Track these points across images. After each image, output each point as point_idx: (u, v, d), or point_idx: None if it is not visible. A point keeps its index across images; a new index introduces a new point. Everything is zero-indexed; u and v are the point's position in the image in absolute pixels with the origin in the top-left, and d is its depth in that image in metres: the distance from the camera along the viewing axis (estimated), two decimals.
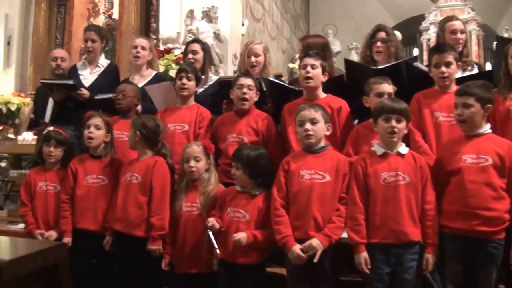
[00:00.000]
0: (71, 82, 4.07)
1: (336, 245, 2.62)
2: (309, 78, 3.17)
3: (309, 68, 3.18)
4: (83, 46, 8.56)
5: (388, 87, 2.99)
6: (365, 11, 12.93)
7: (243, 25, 7.63)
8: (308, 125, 2.76)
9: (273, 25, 10.20)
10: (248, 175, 2.85)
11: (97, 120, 3.39)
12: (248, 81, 3.32)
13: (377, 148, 2.69)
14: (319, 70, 3.19)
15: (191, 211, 3.01)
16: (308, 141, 2.77)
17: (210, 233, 2.78)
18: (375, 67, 3.37)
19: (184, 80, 3.52)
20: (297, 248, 2.60)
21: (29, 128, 5.17)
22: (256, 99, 3.37)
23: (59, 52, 4.69)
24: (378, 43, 3.66)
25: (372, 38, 3.71)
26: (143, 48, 4.17)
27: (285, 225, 2.67)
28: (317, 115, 2.77)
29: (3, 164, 7.00)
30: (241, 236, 2.73)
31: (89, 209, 3.27)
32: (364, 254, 2.56)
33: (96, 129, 3.37)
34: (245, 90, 3.30)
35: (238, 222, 2.81)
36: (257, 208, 2.81)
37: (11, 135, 7.69)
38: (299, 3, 13.00)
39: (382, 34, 3.68)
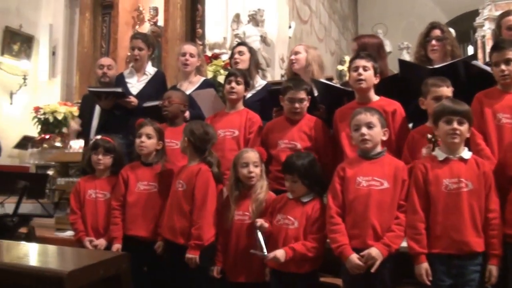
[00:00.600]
0: (119, 89, 4.18)
1: (395, 255, 2.58)
2: (361, 80, 3.13)
3: (361, 70, 3.14)
4: (129, 54, 8.83)
5: (447, 91, 2.92)
6: (415, 8, 12.70)
7: (290, 27, 7.64)
8: (364, 130, 2.74)
9: (321, 27, 10.16)
10: (307, 185, 2.86)
11: (148, 129, 3.46)
12: (299, 95, 3.30)
13: (438, 152, 2.64)
14: (371, 72, 3.15)
15: (243, 219, 3.03)
16: (364, 146, 2.75)
17: (259, 233, 2.80)
18: (431, 67, 3.29)
19: (233, 84, 3.57)
20: (355, 257, 2.57)
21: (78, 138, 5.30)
22: (308, 105, 3.36)
23: (105, 60, 4.83)
24: (433, 42, 3.58)
25: (426, 36, 3.63)
26: (192, 55, 4.23)
27: (342, 234, 2.64)
28: (374, 119, 2.75)
29: (50, 173, 7.26)
30: (278, 253, 2.73)
31: (140, 215, 3.34)
32: (425, 265, 2.51)
33: (147, 138, 3.44)
34: (297, 105, 3.30)
35: (287, 229, 2.82)
36: (306, 215, 2.81)
37: (58, 144, 7.97)
38: (346, 3, 12.91)
39: (437, 32, 3.60)
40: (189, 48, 4.29)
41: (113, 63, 4.90)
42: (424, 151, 2.81)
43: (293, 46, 7.58)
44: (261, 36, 6.73)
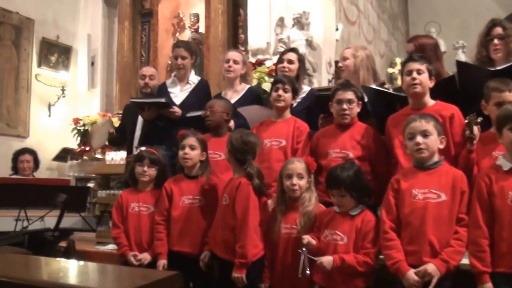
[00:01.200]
0: (163, 100, 4.27)
1: (455, 273, 2.54)
2: (415, 84, 3.09)
3: (414, 74, 3.10)
4: (169, 62, 8.90)
5: (510, 95, 2.85)
6: (470, 4, 12.42)
7: (337, 29, 7.62)
8: (419, 138, 2.71)
9: (369, 27, 10.09)
10: (355, 198, 2.86)
11: (191, 140, 3.51)
12: (347, 95, 3.30)
13: (503, 162, 2.59)
14: (425, 75, 3.11)
15: (290, 233, 3.04)
16: (420, 156, 2.72)
17: (304, 253, 2.79)
18: (492, 68, 3.22)
19: (280, 92, 3.59)
20: (412, 273, 2.55)
21: (110, 144, 5.39)
22: (358, 110, 3.36)
23: (148, 70, 4.95)
24: (495, 41, 3.50)
25: (487, 35, 3.56)
26: (235, 61, 4.30)
27: (397, 250, 2.62)
28: (429, 126, 2.72)
29: (91, 185, 7.44)
30: (325, 259, 2.72)
31: (185, 230, 3.38)
32: (489, 285, 2.47)
33: (191, 150, 3.49)
34: (345, 106, 3.29)
35: (336, 245, 2.81)
36: (355, 229, 2.80)
37: (98, 156, 8.16)
38: (396, 1, 12.76)
39: (499, 30, 3.53)
40: (233, 54, 4.37)
41: (155, 72, 5.03)
42: (467, 133, 2.74)
43: (340, 49, 7.58)
44: (307, 40, 6.72)
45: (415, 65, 3.12)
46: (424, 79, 3.10)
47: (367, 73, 3.94)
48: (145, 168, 3.61)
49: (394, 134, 3.13)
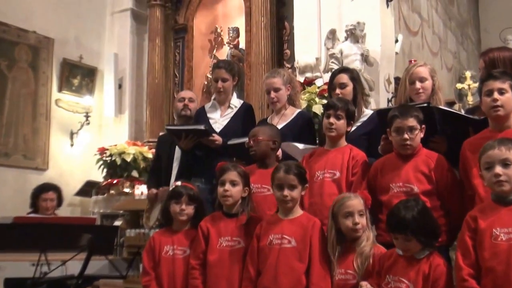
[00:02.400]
0: (202, 127, 4.35)
1: None
2: (497, 107, 3.04)
3: (496, 94, 3.05)
4: (206, 83, 9.01)
5: None
6: None
7: (396, 41, 7.61)
8: (498, 169, 2.68)
9: (434, 37, 10.03)
10: (422, 243, 2.84)
11: (232, 175, 3.54)
12: (408, 122, 3.27)
13: None
14: (509, 95, 3.06)
15: (346, 279, 3.05)
16: (500, 189, 2.69)
17: None
18: None
19: (332, 119, 3.59)
20: None
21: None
22: (422, 135, 3.33)
23: (186, 93, 5.14)
24: None
25: None
26: (277, 89, 4.30)
27: None
28: (510, 154, 2.69)
29: (118, 223, 7.53)
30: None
31: (224, 276, 3.38)
32: None
33: (232, 186, 3.52)
34: (406, 135, 3.27)
35: None
36: (422, 275, 2.78)
37: (127, 190, 8.27)
38: (465, 6, 12.66)
39: None
40: (271, 82, 4.34)
41: (194, 96, 5.15)
42: None
43: (401, 64, 7.56)
44: (362, 55, 6.73)
45: (496, 84, 3.08)
46: (507, 100, 3.05)
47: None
48: (183, 206, 3.65)
49: (471, 162, 3.07)
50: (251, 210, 3.53)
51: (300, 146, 3.94)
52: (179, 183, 3.84)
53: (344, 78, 4.17)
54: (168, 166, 4.83)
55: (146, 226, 5.54)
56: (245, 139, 3.91)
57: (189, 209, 3.66)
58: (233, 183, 3.52)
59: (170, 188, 3.92)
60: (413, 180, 3.25)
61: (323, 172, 3.54)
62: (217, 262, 3.42)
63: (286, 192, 3.27)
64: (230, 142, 4.20)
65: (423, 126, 3.31)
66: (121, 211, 7.77)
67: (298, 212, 3.33)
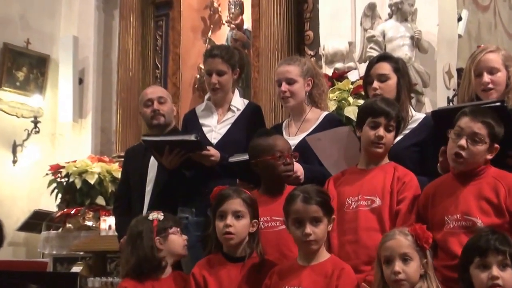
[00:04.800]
0: (192, 137, 4.27)
1: None
2: None
3: None
4: (198, 76, 8.96)
5: None
6: None
7: (459, 20, 7.55)
8: None
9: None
10: None
11: (236, 204, 3.52)
12: (475, 128, 3.24)
13: None
14: None
15: None
16: None
17: None
18: None
19: (382, 131, 3.55)
20: None
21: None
22: (490, 156, 3.31)
23: (153, 92, 4.98)
24: None
25: None
26: (291, 81, 4.27)
27: None
28: None
29: (77, 269, 7.48)
30: None
31: None
32: None
33: (236, 219, 3.50)
34: (463, 142, 3.23)
35: None
36: None
37: (89, 223, 8.22)
38: None
39: None
40: (285, 70, 4.31)
41: (165, 93, 5.09)
42: None
43: (466, 49, 7.42)
44: (412, 38, 6.69)
45: None
46: None
47: None
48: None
49: None
50: (261, 252, 3.52)
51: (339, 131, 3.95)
52: (155, 214, 3.77)
53: (384, 68, 4.12)
54: (140, 192, 4.82)
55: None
56: None
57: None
58: (238, 215, 3.49)
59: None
60: (475, 210, 3.23)
61: (357, 199, 3.52)
62: None
63: (309, 229, 3.22)
64: (231, 159, 4.18)
65: (496, 146, 3.28)
66: (81, 253, 7.73)
67: (324, 255, 3.29)
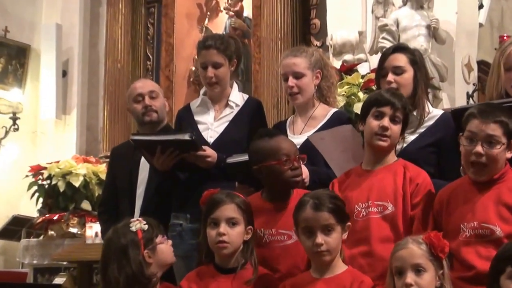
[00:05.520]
0: (186, 136, 4.28)
1: None
2: None
3: None
4: (193, 69, 9.02)
5: None
6: None
7: (481, 6, 7.55)
8: None
9: None
10: None
11: (229, 210, 3.52)
12: (488, 129, 3.23)
13: None
14: None
15: None
16: None
17: None
18: None
19: (387, 121, 3.55)
20: None
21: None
22: (510, 155, 3.33)
23: (143, 86, 4.97)
24: None
25: None
26: (298, 75, 4.28)
27: None
28: None
29: (60, 281, 7.47)
30: None
31: None
32: None
33: (230, 226, 3.50)
34: (479, 148, 3.22)
35: None
36: None
37: (74, 230, 8.21)
38: None
39: None
40: (292, 63, 4.31)
41: (156, 87, 5.12)
42: None
43: (488, 39, 7.36)
44: (429, 27, 6.69)
45: None
46: None
47: None
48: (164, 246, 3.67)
49: None
50: (256, 264, 3.51)
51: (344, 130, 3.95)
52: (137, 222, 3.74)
53: (400, 59, 4.14)
54: (130, 195, 4.82)
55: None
56: None
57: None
58: (233, 222, 3.50)
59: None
60: (494, 217, 3.23)
61: (367, 206, 3.52)
62: None
63: (320, 238, 3.21)
64: (229, 160, 4.17)
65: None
66: (64, 263, 7.72)
67: (340, 267, 3.29)
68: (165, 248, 3.62)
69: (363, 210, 3.49)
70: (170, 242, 3.69)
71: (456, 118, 3.66)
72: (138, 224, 3.62)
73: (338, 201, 3.31)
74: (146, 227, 3.61)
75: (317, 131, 4.17)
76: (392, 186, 3.50)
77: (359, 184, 3.59)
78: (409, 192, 3.47)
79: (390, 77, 4.08)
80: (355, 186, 3.59)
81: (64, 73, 9.83)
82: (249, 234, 3.52)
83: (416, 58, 4.19)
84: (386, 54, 4.28)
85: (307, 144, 4.07)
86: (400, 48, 4.37)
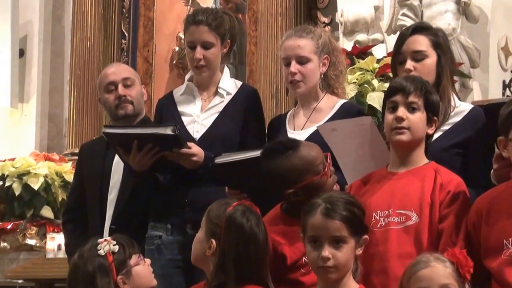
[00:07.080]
0: (168, 130, 4.29)
1: None
2: None
3: None
4: (177, 49, 9.05)
5: None
6: None
7: None
8: None
9: None
10: None
11: None
12: None
13: None
14: None
15: None
16: None
17: None
18: None
19: (402, 112, 3.56)
20: None
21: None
22: None
23: (117, 71, 5.00)
24: None
25: None
26: (302, 59, 4.30)
27: None
28: None
29: None
30: None
31: None
32: None
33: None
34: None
35: None
36: None
37: (32, 241, 8.24)
38: None
39: None
40: (295, 45, 4.35)
41: (131, 72, 5.15)
42: None
43: None
44: (458, 2, 6.72)
45: None
46: None
47: None
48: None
49: None
50: None
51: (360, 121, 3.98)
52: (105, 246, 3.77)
53: (421, 42, 4.15)
54: (100, 201, 4.84)
55: None
56: (248, 154, 3.95)
57: None
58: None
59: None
60: None
61: (387, 214, 3.53)
62: None
63: (327, 251, 3.21)
64: (218, 160, 4.18)
65: None
66: (19, 281, 7.75)
67: (351, 286, 3.30)
68: (142, 270, 3.66)
69: (381, 219, 3.51)
70: (148, 261, 3.72)
71: (490, 116, 3.62)
72: (106, 245, 3.65)
73: (356, 209, 3.28)
74: (116, 248, 3.63)
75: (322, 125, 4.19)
76: (418, 192, 3.50)
77: (380, 189, 3.61)
78: (439, 201, 3.47)
79: (409, 64, 4.06)
80: (375, 191, 3.61)
81: (22, 53, 9.85)
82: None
83: (440, 40, 4.19)
84: (404, 36, 4.26)
85: (311, 140, 4.04)
86: (420, 28, 4.33)
